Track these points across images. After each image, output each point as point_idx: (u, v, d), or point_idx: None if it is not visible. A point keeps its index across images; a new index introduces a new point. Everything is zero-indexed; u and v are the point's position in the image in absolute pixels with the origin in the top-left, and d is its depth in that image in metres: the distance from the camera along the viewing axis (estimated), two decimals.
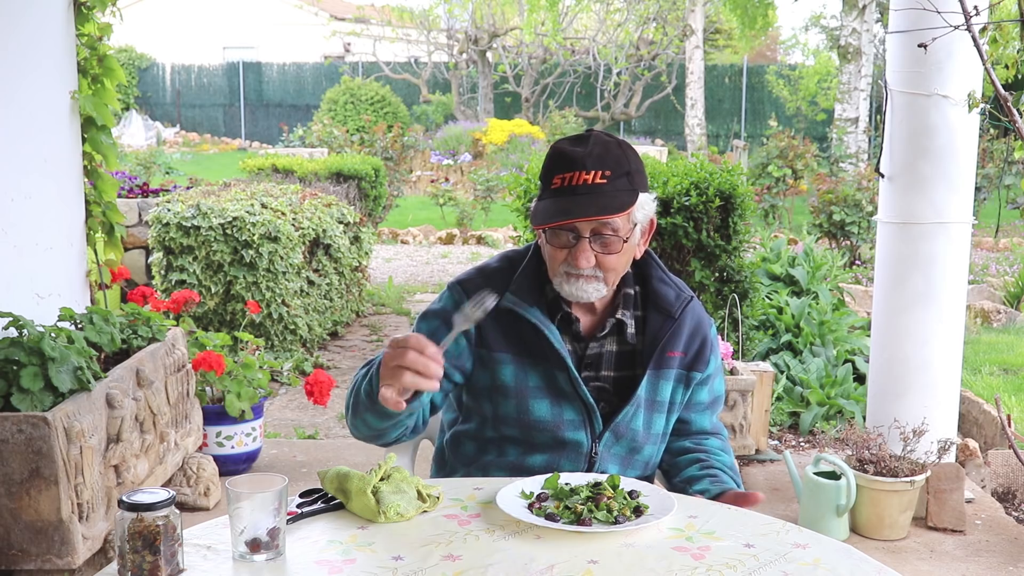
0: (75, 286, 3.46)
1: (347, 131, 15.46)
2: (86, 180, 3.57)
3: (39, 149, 3.24)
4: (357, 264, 6.76)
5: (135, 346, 3.23)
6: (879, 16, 17.67)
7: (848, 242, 8.98)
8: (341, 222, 6.45)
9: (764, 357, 5.18)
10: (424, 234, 11.63)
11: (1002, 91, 3.12)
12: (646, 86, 23.25)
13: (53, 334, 2.80)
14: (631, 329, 1.95)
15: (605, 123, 22.65)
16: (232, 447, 3.89)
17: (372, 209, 9.48)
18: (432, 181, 14.84)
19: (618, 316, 1.94)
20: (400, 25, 24.57)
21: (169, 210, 5.30)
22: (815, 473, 3.32)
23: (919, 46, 3.16)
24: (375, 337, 6.62)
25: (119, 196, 5.85)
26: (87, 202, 3.57)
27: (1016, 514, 3.70)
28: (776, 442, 4.54)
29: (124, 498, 1.40)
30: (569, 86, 23.77)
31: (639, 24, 22.63)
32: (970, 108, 3.30)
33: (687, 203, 4.27)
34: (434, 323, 1.97)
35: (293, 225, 5.60)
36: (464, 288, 1.97)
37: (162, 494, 1.41)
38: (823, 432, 4.45)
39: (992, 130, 11.07)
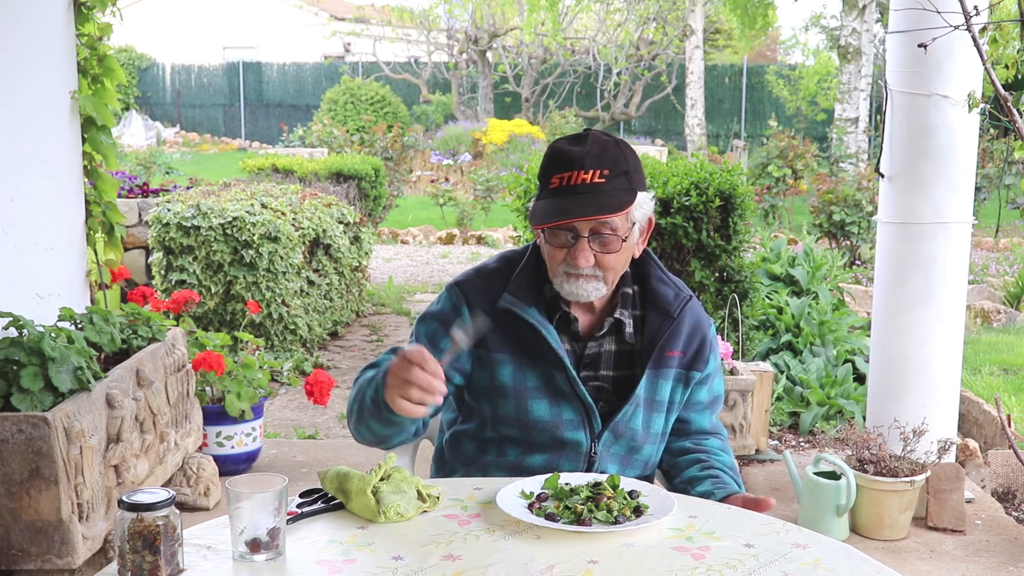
0: (75, 286, 3.46)
1: (347, 131, 15.46)
2: (86, 180, 3.57)
3: (39, 149, 3.24)
4: (357, 264, 6.77)
5: (135, 346, 3.23)
6: (879, 16, 17.67)
7: (848, 242, 8.98)
8: (341, 222, 6.45)
9: (764, 357, 5.18)
10: (424, 234, 11.63)
11: (1002, 91, 3.12)
12: (646, 86, 23.25)
13: (53, 334, 2.80)
14: (629, 328, 1.95)
15: (605, 123, 22.64)
16: (232, 447, 3.89)
17: (372, 209, 9.48)
18: (432, 181, 14.84)
19: (616, 315, 1.94)
20: (400, 25, 24.57)
21: (169, 210, 5.30)
22: (815, 473, 3.32)
23: (919, 46, 3.16)
24: (375, 337, 6.63)
25: (119, 196, 5.85)
26: (87, 202, 3.57)
27: (1016, 514, 3.70)
28: (776, 442, 4.54)
29: (124, 498, 1.40)
30: (569, 86, 23.77)
31: (639, 24, 22.63)
32: (970, 108, 3.30)
33: (687, 203, 4.27)
34: (432, 325, 1.97)
35: (293, 225, 5.60)
36: (462, 290, 1.97)
37: (162, 494, 1.41)
38: (823, 432, 4.45)
39: (992, 130, 11.07)
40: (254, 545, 1.45)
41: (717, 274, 4.42)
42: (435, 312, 1.99)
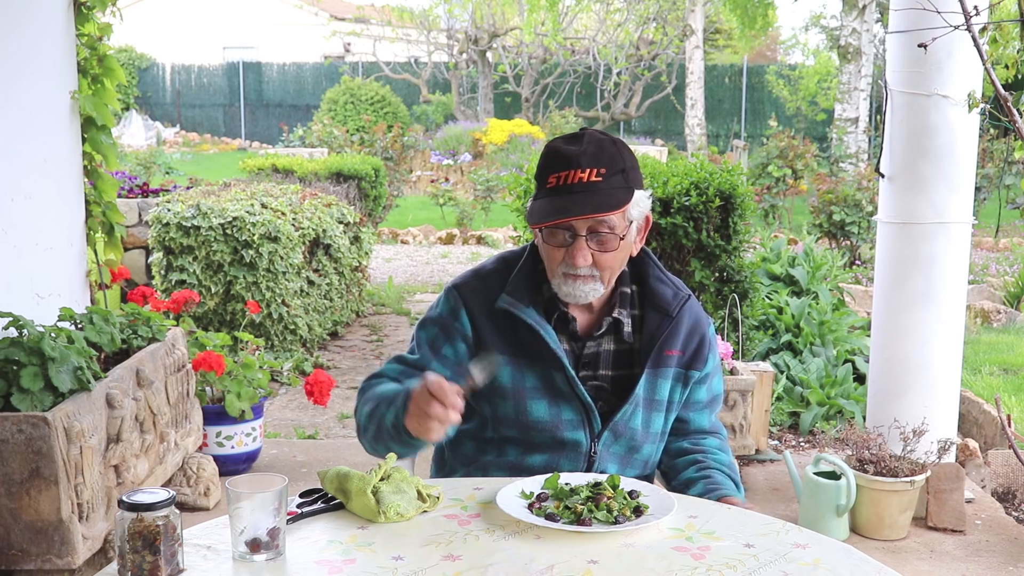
0: (75, 286, 3.46)
1: (347, 131, 15.46)
2: (86, 180, 3.57)
3: (39, 149, 3.24)
4: (357, 264, 6.77)
5: (135, 346, 3.23)
6: (879, 16, 17.67)
7: (848, 242, 8.98)
8: (341, 222, 6.45)
9: (764, 357, 5.18)
10: (424, 234, 11.63)
11: (1002, 91, 3.12)
12: (646, 86, 23.25)
13: (53, 334, 2.80)
14: (628, 328, 1.95)
15: (605, 123, 22.64)
16: (232, 447, 3.89)
17: (372, 209, 9.48)
18: (432, 181, 14.84)
19: (614, 315, 1.95)
20: (400, 25, 24.57)
21: (169, 210, 5.30)
22: (815, 473, 3.32)
23: (919, 46, 3.16)
24: (375, 337, 6.63)
25: (119, 196, 5.85)
26: (87, 202, 3.57)
27: (1016, 514, 3.70)
28: (776, 442, 4.54)
29: (124, 498, 1.40)
30: (569, 86, 23.77)
31: (639, 24, 22.63)
32: (970, 108, 3.30)
33: (687, 203, 4.27)
34: (432, 331, 1.98)
35: (293, 225, 5.60)
36: (460, 292, 1.97)
37: (162, 494, 1.41)
38: (823, 432, 4.45)
39: (992, 130, 11.07)
40: (254, 545, 1.45)
41: (717, 274, 4.41)
42: (434, 317, 1.99)
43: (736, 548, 1.53)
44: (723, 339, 4.21)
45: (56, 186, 3.34)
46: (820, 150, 14.49)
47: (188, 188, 6.73)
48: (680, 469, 2.02)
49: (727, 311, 4.37)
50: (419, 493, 1.66)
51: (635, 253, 1.96)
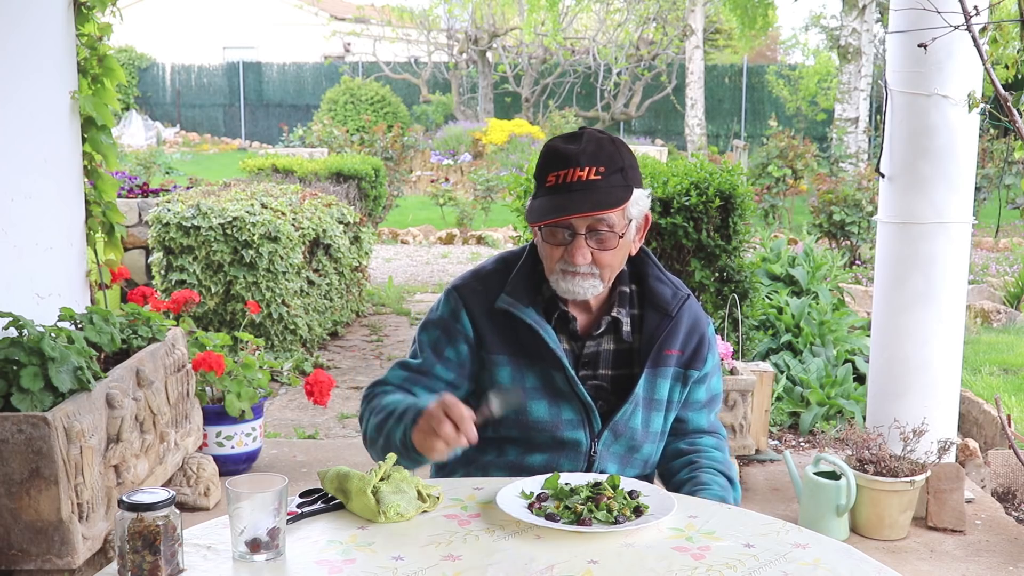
0: (75, 286, 3.46)
1: (347, 131, 15.46)
2: (86, 180, 3.57)
3: (39, 149, 3.24)
4: (357, 264, 6.77)
5: (135, 346, 3.23)
6: (879, 16, 17.67)
7: (848, 242, 8.98)
8: (341, 222, 6.45)
9: (764, 357, 5.18)
10: (424, 234, 11.63)
11: (1002, 91, 3.12)
12: (646, 86, 23.25)
13: (53, 334, 2.80)
14: (627, 327, 1.96)
15: (605, 123, 22.64)
16: (232, 447, 3.89)
17: (372, 209, 9.48)
18: (432, 181, 14.84)
19: (613, 314, 1.95)
20: (400, 25, 24.57)
21: (169, 210, 5.30)
22: (815, 473, 3.32)
23: (919, 46, 3.16)
24: (375, 337, 6.62)
25: (119, 196, 5.84)
26: (87, 202, 3.57)
27: (1016, 514, 3.70)
28: (776, 442, 4.54)
29: (124, 498, 1.40)
30: (569, 86, 23.77)
31: (639, 24, 22.63)
32: (970, 108, 3.30)
33: (687, 203, 4.27)
34: (434, 333, 1.98)
35: (293, 225, 5.60)
36: (460, 294, 1.97)
37: (162, 494, 1.41)
38: (823, 432, 4.45)
39: (992, 130, 11.07)
40: (254, 545, 1.45)
41: (717, 274, 4.41)
42: (435, 319, 1.99)
43: (736, 548, 1.53)
44: (723, 339, 4.21)
45: (56, 186, 3.34)
46: (820, 150, 14.49)
47: (188, 188, 6.73)
48: (675, 471, 2.02)
49: (727, 311, 4.37)
50: (419, 493, 1.66)
51: (634, 252, 1.96)
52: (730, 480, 1.98)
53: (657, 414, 1.98)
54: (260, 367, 4.02)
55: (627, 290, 1.98)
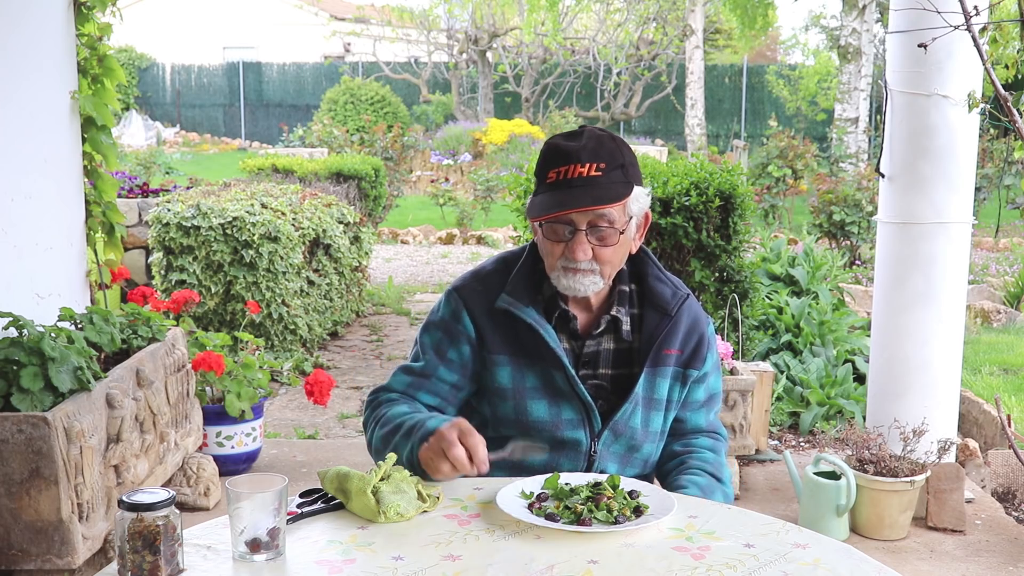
0: (75, 286, 3.46)
1: (347, 131, 15.46)
2: (86, 180, 3.57)
3: (39, 149, 3.24)
4: (357, 264, 6.77)
5: (135, 346, 3.23)
6: (879, 16, 17.67)
7: (848, 242, 8.98)
8: (341, 222, 6.45)
9: (764, 357, 5.18)
10: (424, 234, 11.63)
11: (1002, 91, 3.12)
12: (646, 86, 23.26)
13: (53, 334, 2.80)
14: (626, 326, 1.96)
15: (605, 123, 22.64)
16: (232, 447, 3.89)
17: (372, 209, 9.48)
18: (432, 181, 14.84)
19: (613, 312, 1.95)
20: (400, 25, 24.57)
21: (169, 210, 5.30)
22: (815, 473, 3.32)
23: (919, 46, 3.16)
24: (375, 337, 6.63)
25: (119, 196, 5.85)
26: (87, 202, 3.57)
27: (1016, 514, 3.70)
28: (776, 442, 4.54)
29: (124, 498, 1.40)
30: (569, 86, 23.77)
31: (639, 24, 22.63)
32: (970, 108, 3.30)
33: (687, 203, 4.27)
34: (436, 335, 1.98)
35: (293, 225, 5.60)
36: (460, 295, 1.98)
37: (162, 494, 1.41)
38: (823, 432, 4.45)
39: (992, 130, 11.07)
40: (254, 545, 1.45)
41: (717, 274, 4.41)
42: (437, 321, 2.00)
43: (736, 548, 1.53)
44: (723, 339, 4.21)
45: (56, 186, 3.34)
46: (820, 150, 14.50)
47: (188, 188, 6.73)
48: (665, 474, 2.03)
49: (727, 311, 4.37)
50: (419, 493, 1.66)
51: (634, 250, 1.96)
52: (718, 480, 1.97)
53: (657, 414, 1.98)
54: (260, 367, 4.02)
55: (627, 289, 1.98)
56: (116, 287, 4.29)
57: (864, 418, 4.13)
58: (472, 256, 10.31)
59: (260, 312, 5.22)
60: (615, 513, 1.60)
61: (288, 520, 1.55)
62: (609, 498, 1.64)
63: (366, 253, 6.94)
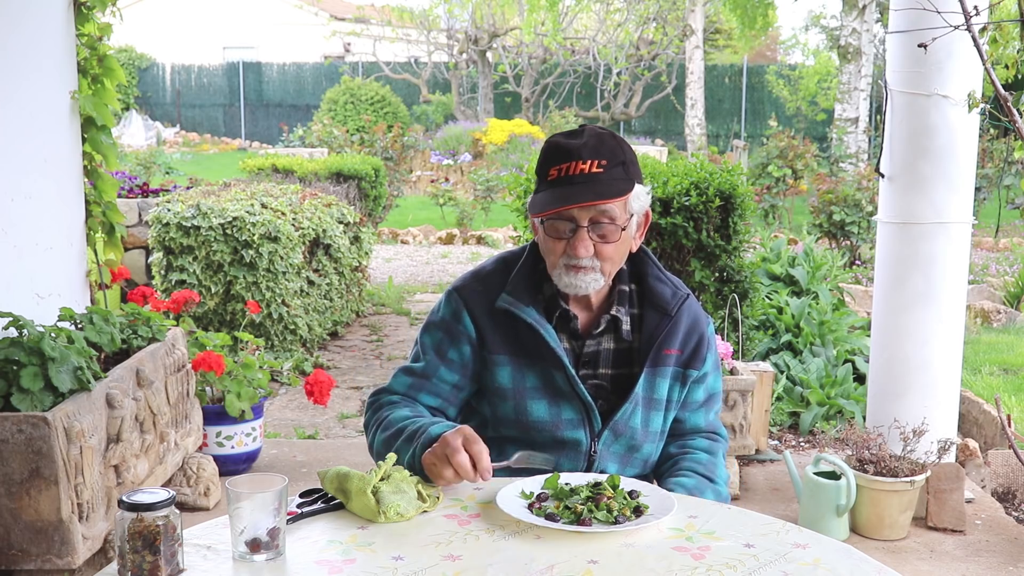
0: (75, 286, 3.46)
1: (347, 131, 15.46)
2: (86, 180, 3.57)
3: (39, 149, 3.24)
4: (357, 264, 6.77)
5: (135, 346, 3.23)
6: (879, 16, 17.67)
7: (848, 242, 8.98)
8: (341, 222, 6.45)
9: (764, 357, 5.18)
10: (424, 234, 11.63)
11: (1002, 91, 3.12)
12: (646, 86, 23.26)
13: (53, 334, 2.80)
14: (626, 326, 1.96)
15: (605, 123, 22.64)
16: (232, 447, 3.89)
17: (372, 209, 9.48)
18: (432, 181, 14.84)
19: (613, 312, 1.95)
20: (400, 25, 24.58)
21: (169, 210, 5.30)
22: (815, 473, 3.32)
23: (919, 46, 3.16)
24: (375, 337, 6.62)
25: (119, 196, 5.85)
26: (87, 202, 3.57)
27: (1016, 514, 3.70)
28: (776, 442, 4.54)
29: (124, 498, 1.39)
30: (569, 86, 23.77)
31: (639, 24, 22.64)
32: (970, 108, 3.30)
33: (687, 203, 4.27)
34: (437, 335, 1.98)
35: (293, 225, 5.60)
36: (461, 295, 1.98)
37: (162, 494, 1.41)
38: (823, 432, 4.45)
39: (992, 130, 11.07)
40: (254, 545, 1.45)
41: (717, 274, 4.41)
42: (437, 321, 2.00)
43: (736, 548, 1.53)
44: (723, 339, 4.21)
45: (56, 186, 3.34)
46: (820, 150, 14.50)
47: (188, 188, 6.73)
48: (661, 475, 2.02)
49: (727, 311, 4.37)
50: (419, 493, 1.66)
51: (634, 249, 1.97)
52: (710, 480, 1.97)
53: (656, 413, 1.98)
54: (260, 367, 4.02)
55: (627, 289, 1.98)
56: (116, 287, 4.29)
57: (864, 418, 4.13)
58: (472, 256, 10.31)
59: (260, 312, 5.22)
60: (615, 513, 1.60)
61: (288, 520, 1.55)
62: (609, 498, 1.64)
63: (366, 253, 6.94)
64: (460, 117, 21.98)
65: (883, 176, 3.62)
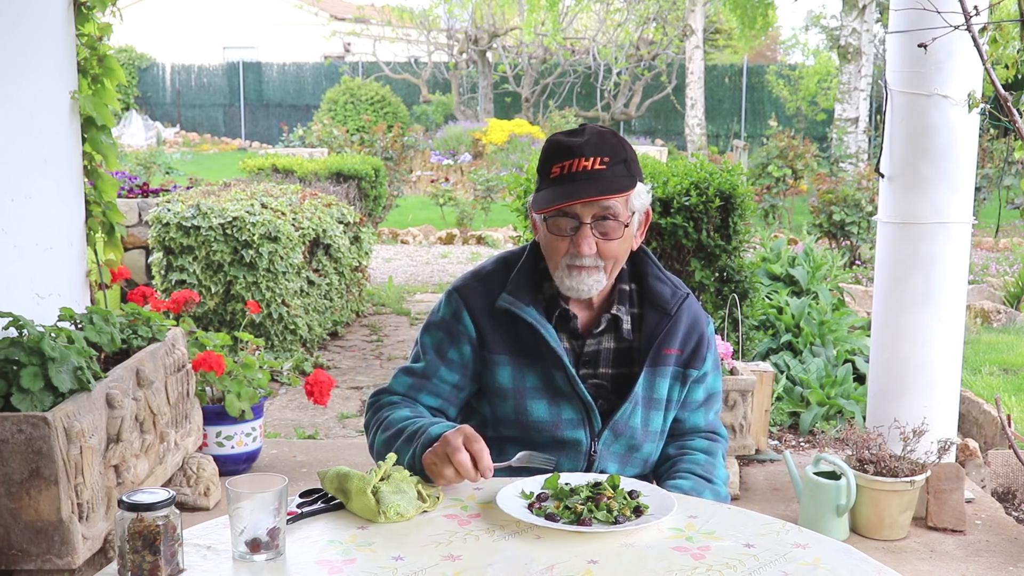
0: (75, 286, 3.46)
1: (347, 131, 15.46)
2: (86, 180, 3.57)
3: (39, 149, 3.24)
4: (357, 264, 6.77)
5: (135, 346, 3.23)
6: (879, 16, 17.67)
7: (848, 242, 8.98)
8: (341, 222, 6.45)
9: (764, 357, 5.18)
10: (424, 234, 11.63)
11: (1002, 91, 3.12)
12: (646, 86, 23.27)
13: (53, 334, 2.80)
14: (627, 326, 1.96)
15: (605, 123, 22.62)
16: (232, 447, 3.89)
17: (372, 209, 9.48)
18: (432, 181, 14.84)
19: (613, 311, 1.95)
20: (400, 25, 24.58)
21: (169, 210, 5.30)
22: (815, 473, 3.32)
23: (919, 46, 3.16)
24: (375, 337, 6.62)
25: (119, 196, 5.85)
26: (87, 202, 3.57)
27: (1016, 514, 3.70)
28: (776, 442, 4.54)
29: (124, 498, 1.39)
30: (569, 86, 23.77)
31: (639, 24, 22.64)
32: (970, 108, 3.30)
33: (687, 203, 4.27)
34: (437, 335, 1.98)
35: (293, 225, 5.60)
36: (461, 295, 1.98)
37: (162, 494, 1.41)
38: (823, 432, 4.45)
39: (992, 130, 11.07)
40: (254, 545, 1.45)
41: (717, 274, 4.41)
42: (437, 321, 2.00)
43: (736, 548, 1.53)
44: (723, 339, 4.21)
45: (56, 186, 3.34)
46: (820, 150, 14.50)
47: (188, 188, 6.73)
48: (659, 476, 2.02)
49: (727, 311, 4.37)
50: (419, 493, 1.66)
51: (635, 247, 1.97)
52: (708, 480, 1.96)
53: (656, 413, 1.98)
54: (260, 367, 4.02)
55: (627, 288, 1.98)
56: (116, 287, 4.29)
57: (864, 418, 4.13)
58: (472, 256, 10.31)
59: (260, 312, 5.22)
60: (615, 513, 1.60)
61: (288, 520, 1.55)
62: (609, 498, 1.64)
63: (366, 253, 6.94)
64: (460, 117, 21.99)
65: (883, 176, 3.62)
